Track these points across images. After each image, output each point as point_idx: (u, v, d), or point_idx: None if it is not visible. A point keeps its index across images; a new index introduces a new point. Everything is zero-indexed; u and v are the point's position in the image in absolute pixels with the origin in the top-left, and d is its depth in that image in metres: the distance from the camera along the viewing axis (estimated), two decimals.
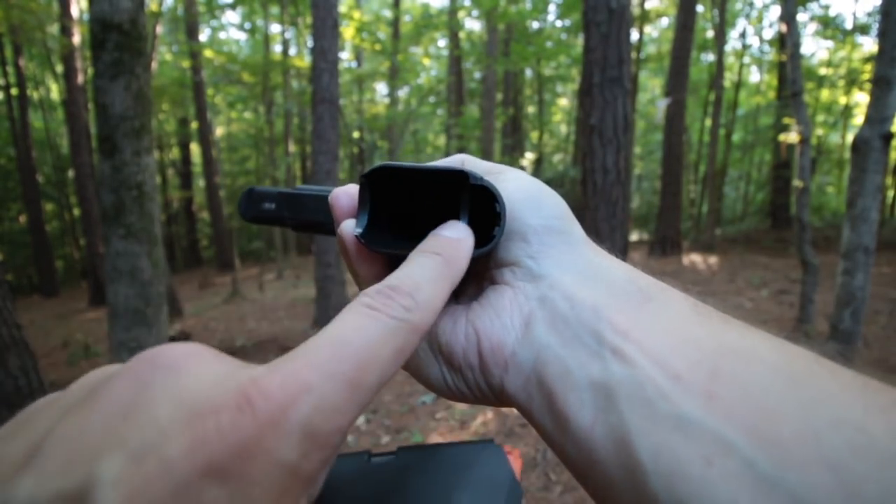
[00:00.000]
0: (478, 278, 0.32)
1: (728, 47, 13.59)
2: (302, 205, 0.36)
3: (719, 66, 10.06)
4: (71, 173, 12.52)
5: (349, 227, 0.30)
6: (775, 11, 13.04)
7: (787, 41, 4.36)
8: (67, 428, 0.16)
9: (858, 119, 13.86)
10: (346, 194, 0.31)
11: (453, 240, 0.27)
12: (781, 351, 0.21)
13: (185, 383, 0.17)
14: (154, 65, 10.58)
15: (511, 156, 14.01)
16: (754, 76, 17.76)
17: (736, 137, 14.81)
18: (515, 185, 0.30)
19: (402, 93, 15.49)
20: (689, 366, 0.21)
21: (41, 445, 0.16)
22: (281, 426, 0.16)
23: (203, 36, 14.42)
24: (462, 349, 0.28)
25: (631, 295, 0.26)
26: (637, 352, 0.22)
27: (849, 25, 12.65)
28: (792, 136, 4.20)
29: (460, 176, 0.28)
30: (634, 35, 11.99)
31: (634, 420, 0.20)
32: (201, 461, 0.15)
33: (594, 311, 0.25)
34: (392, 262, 0.33)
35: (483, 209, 0.29)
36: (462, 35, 13.89)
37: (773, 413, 0.18)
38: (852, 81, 12.26)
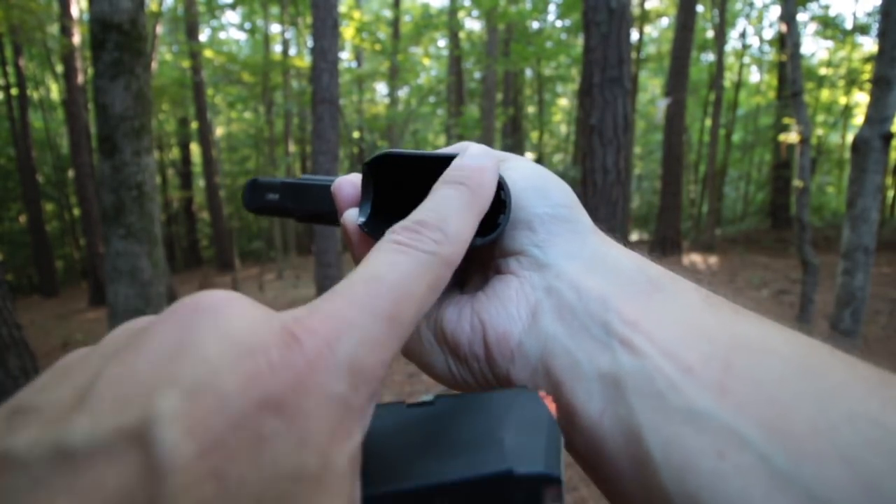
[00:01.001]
0: (483, 268, 0.31)
1: (728, 47, 13.59)
2: (306, 195, 0.36)
3: (719, 66, 10.06)
4: (71, 173, 12.51)
5: (352, 217, 0.30)
6: (775, 11, 13.05)
7: (787, 41, 4.36)
8: (115, 370, 0.16)
9: (858, 119, 13.86)
10: (349, 183, 0.31)
11: (476, 168, 0.26)
12: (796, 343, 0.21)
13: (229, 323, 0.17)
14: (154, 65, 10.58)
15: None
16: (754, 76, 17.77)
17: (736, 137, 14.82)
18: (521, 174, 0.29)
19: (402, 93, 15.50)
20: (701, 358, 0.21)
21: (90, 389, 0.15)
22: (329, 360, 0.17)
23: (203, 36, 14.42)
24: (468, 340, 0.28)
25: (640, 285, 0.25)
26: (647, 343, 0.22)
27: (849, 25, 12.65)
28: (792, 136, 4.20)
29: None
30: (634, 35, 11.99)
31: (645, 412, 0.20)
32: (257, 395, 0.15)
33: (602, 302, 0.25)
34: None
35: None
36: (462, 35, 13.89)
37: (788, 406, 0.18)
38: (852, 81, 12.26)
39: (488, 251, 0.30)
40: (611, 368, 0.22)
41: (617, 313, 0.24)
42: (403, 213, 0.31)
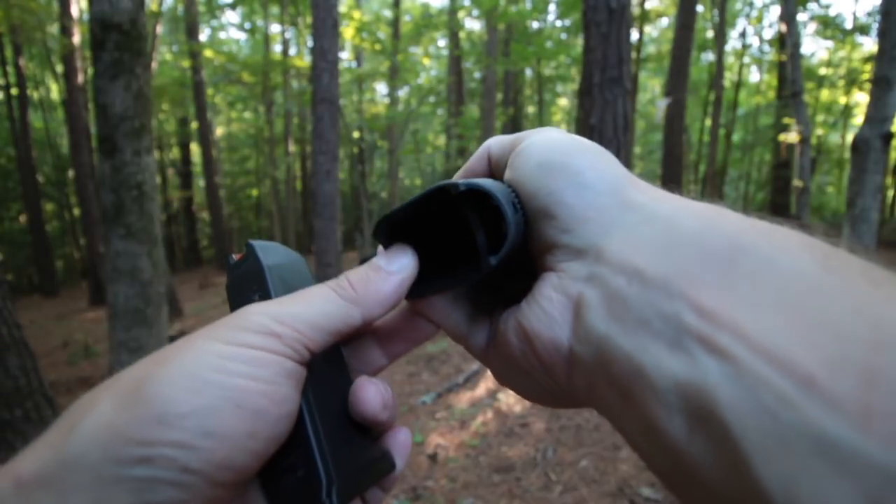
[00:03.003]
0: (532, 275, 0.28)
1: (728, 47, 13.59)
2: None
3: (719, 66, 10.06)
4: (71, 173, 12.51)
5: None
6: (775, 11, 13.03)
7: (787, 41, 4.36)
8: None
9: (858, 119, 13.86)
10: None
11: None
12: None
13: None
14: (154, 65, 10.58)
15: None
16: (754, 76, 17.76)
17: (736, 137, 14.82)
18: (529, 155, 0.25)
19: (402, 93, 15.48)
20: (827, 363, 0.14)
21: None
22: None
23: (203, 36, 14.41)
24: (520, 352, 0.25)
25: (713, 252, 0.19)
26: (736, 342, 0.16)
27: (849, 25, 12.64)
28: (792, 136, 4.20)
29: (441, 193, 0.26)
30: (634, 35, 11.99)
31: (750, 436, 0.15)
32: None
33: (663, 286, 0.19)
34: (453, 297, 0.31)
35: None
36: (462, 35, 13.88)
37: None
38: (852, 81, 12.26)
39: (520, 257, 0.27)
40: (690, 376, 0.17)
41: (686, 300, 0.18)
42: (437, 257, 0.30)
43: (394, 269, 0.28)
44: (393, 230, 0.30)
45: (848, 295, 0.16)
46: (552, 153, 0.25)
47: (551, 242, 0.24)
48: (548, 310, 0.23)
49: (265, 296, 0.29)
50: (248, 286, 0.30)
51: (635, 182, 0.24)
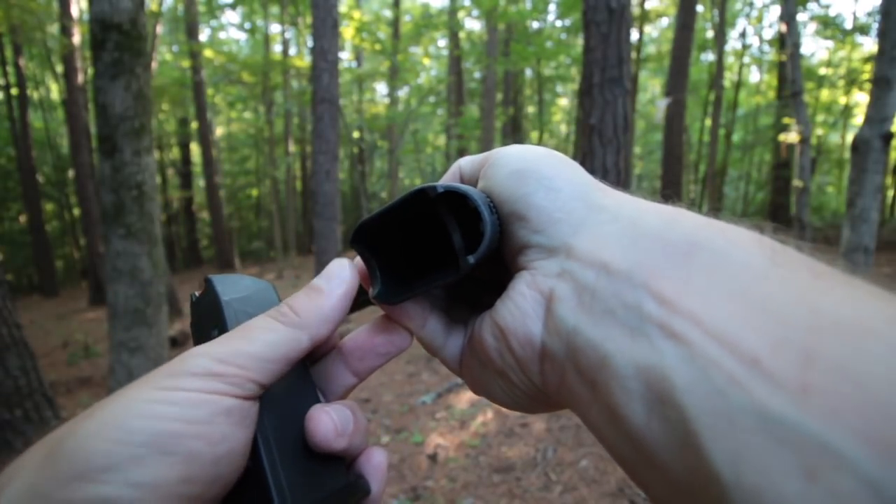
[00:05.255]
0: (502, 287, 0.29)
1: (728, 47, 13.59)
2: None
3: (719, 66, 10.05)
4: (71, 173, 12.52)
5: (371, 294, 0.30)
6: (775, 11, 13.04)
7: (787, 41, 4.36)
8: None
9: (858, 119, 13.86)
10: (359, 265, 0.32)
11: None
12: None
13: None
14: (154, 65, 10.58)
15: None
16: (754, 76, 17.77)
17: (736, 137, 14.83)
18: (501, 166, 0.27)
19: (402, 93, 15.49)
20: (770, 345, 0.16)
21: None
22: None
23: (203, 36, 14.41)
24: (496, 352, 0.26)
25: (672, 246, 0.20)
26: (691, 327, 0.17)
27: (849, 25, 12.64)
28: (792, 136, 4.20)
29: (422, 194, 0.26)
30: (634, 35, 11.99)
31: (701, 416, 0.16)
32: None
33: (627, 278, 0.20)
34: (430, 306, 0.31)
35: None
36: (462, 35, 13.88)
37: None
38: (852, 81, 12.26)
39: (495, 260, 0.28)
40: (649, 361, 0.18)
41: (647, 290, 0.19)
42: (417, 262, 0.31)
43: (333, 286, 0.29)
44: (371, 236, 0.30)
45: (792, 285, 0.17)
46: (523, 161, 0.26)
47: (524, 243, 0.25)
48: (521, 305, 0.24)
49: (223, 331, 0.28)
50: (208, 322, 0.29)
51: (600, 187, 0.26)
